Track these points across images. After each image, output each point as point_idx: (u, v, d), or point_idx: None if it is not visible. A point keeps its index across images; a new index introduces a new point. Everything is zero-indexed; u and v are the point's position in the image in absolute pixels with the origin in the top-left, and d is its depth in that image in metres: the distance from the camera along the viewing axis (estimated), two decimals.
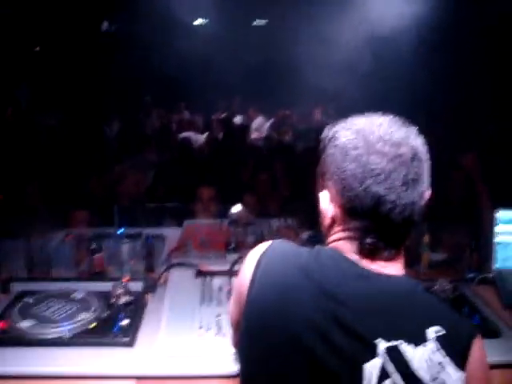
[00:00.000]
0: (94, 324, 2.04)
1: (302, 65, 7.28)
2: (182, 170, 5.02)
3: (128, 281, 2.35)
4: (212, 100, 9.82)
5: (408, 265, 1.20)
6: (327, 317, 1.06)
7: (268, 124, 8.38)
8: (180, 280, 2.43)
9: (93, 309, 2.12)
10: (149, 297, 2.36)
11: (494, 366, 1.93)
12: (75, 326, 2.01)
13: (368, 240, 1.10)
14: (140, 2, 8.06)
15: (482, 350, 1.09)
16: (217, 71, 9.59)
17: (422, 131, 1.15)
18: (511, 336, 2.09)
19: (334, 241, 1.17)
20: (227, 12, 9.58)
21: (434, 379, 1.03)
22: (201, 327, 1.98)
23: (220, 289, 2.32)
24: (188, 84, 9.77)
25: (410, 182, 1.07)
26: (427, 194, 1.13)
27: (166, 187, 4.69)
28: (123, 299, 2.22)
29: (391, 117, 1.15)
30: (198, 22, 11.89)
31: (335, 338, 1.05)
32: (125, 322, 2.07)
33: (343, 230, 1.15)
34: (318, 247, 1.19)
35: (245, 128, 7.80)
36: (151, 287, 2.43)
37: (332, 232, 1.18)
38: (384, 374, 1.02)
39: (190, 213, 3.76)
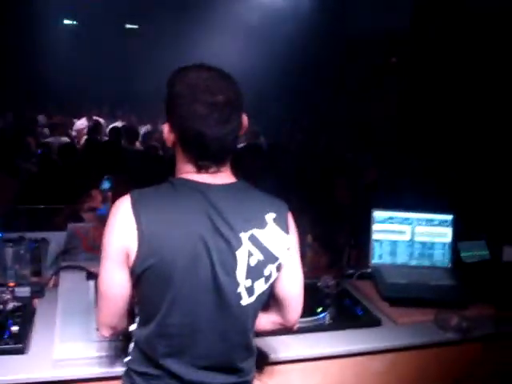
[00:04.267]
0: None
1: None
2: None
3: (14, 286, 2.26)
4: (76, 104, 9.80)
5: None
6: (209, 227, 1.45)
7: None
8: (71, 283, 2.37)
9: None
10: (38, 302, 2.28)
11: (376, 352, 2.12)
12: None
13: (199, 163, 1.49)
14: None
15: (292, 217, 1.62)
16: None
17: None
18: (390, 324, 2.30)
19: (181, 173, 1.53)
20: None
21: (276, 246, 1.52)
22: (98, 328, 1.94)
23: None
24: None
25: (222, 122, 1.45)
26: (239, 129, 1.52)
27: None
28: (11, 305, 2.12)
29: (216, 70, 1.51)
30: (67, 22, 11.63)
31: (217, 241, 1.45)
32: (15, 328, 1.99)
33: (184, 161, 1.52)
34: (169, 180, 1.52)
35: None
36: (39, 292, 2.34)
37: (178, 167, 1.55)
38: (249, 254, 1.48)
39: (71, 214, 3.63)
